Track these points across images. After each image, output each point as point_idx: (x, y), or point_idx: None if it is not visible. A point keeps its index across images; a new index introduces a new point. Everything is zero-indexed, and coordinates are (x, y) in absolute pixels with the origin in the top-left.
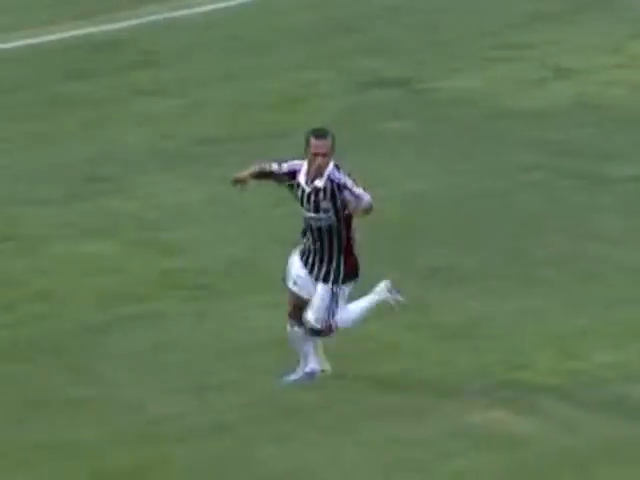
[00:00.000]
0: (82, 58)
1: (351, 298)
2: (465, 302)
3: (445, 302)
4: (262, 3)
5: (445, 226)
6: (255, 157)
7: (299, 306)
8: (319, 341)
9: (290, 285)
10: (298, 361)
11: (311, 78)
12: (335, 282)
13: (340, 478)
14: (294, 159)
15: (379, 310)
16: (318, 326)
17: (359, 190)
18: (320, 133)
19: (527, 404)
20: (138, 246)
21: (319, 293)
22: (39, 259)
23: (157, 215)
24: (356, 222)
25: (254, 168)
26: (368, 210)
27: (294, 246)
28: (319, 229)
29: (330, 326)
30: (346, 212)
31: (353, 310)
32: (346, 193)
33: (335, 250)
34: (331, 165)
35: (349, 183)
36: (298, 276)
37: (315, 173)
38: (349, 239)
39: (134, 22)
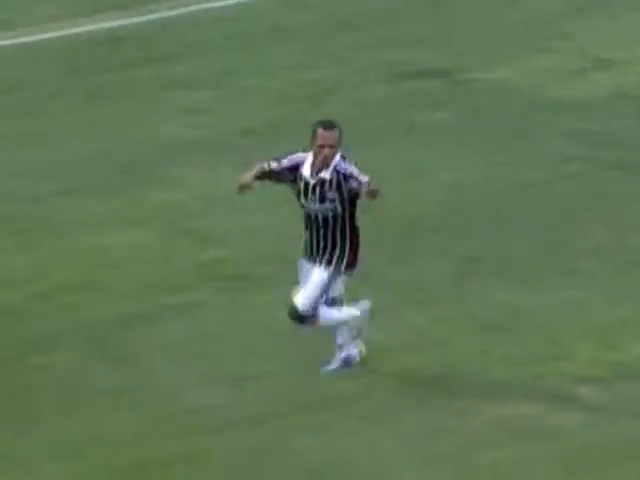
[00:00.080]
0: (114, 51)
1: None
2: (504, 293)
3: (484, 293)
4: None
5: (484, 217)
6: (293, 147)
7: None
8: (351, 324)
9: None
10: (338, 347)
11: (349, 68)
12: (336, 268)
13: (377, 468)
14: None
15: (415, 300)
16: (304, 312)
17: (365, 178)
18: (328, 125)
19: (567, 395)
20: (177, 237)
21: (314, 280)
22: (78, 250)
23: (195, 206)
24: (360, 212)
25: (255, 168)
26: (376, 193)
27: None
28: (325, 219)
29: (313, 316)
30: (350, 200)
31: (330, 313)
32: (352, 181)
33: (339, 238)
34: (337, 156)
35: (355, 172)
36: (309, 270)
37: (321, 165)
38: (352, 228)
39: (165, 14)
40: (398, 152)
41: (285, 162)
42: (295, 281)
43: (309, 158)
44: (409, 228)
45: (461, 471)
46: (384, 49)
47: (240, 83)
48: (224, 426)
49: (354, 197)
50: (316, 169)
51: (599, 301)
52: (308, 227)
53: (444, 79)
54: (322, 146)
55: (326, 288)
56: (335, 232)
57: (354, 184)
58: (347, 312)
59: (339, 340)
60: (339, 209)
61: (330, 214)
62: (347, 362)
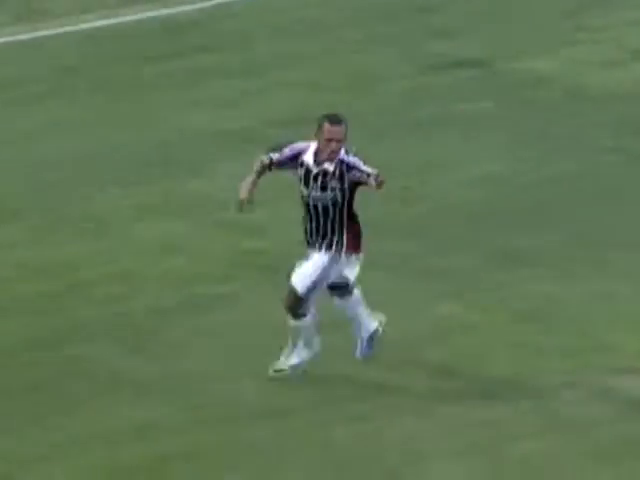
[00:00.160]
0: (150, 42)
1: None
2: (538, 284)
3: (518, 284)
4: None
5: (521, 208)
6: None
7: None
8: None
9: None
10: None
11: (384, 59)
12: (336, 252)
13: (413, 460)
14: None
15: (449, 291)
16: (303, 294)
17: (368, 168)
18: (335, 119)
19: (599, 388)
20: (213, 228)
21: (314, 261)
22: (115, 240)
23: (229, 196)
24: (358, 199)
25: (256, 168)
26: (381, 183)
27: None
28: (325, 207)
29: (305, 299)
30: (350, 189)
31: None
32: (355, 172)
33: (337, 223)
34: (342, 150)
35: (358, 163)
36: (310, 256)
37: (327, 157)
38: (350, 215)
39: (197, 6)
40: (435, 142)
41: (287, 151)
42: None
43: (311, 147)
44: (445, 219)
45: (493, 463)
46: (420, 39)
47: (272, 74)
48: (260, 416)
49: (355, 186)
50: (321, 160)
51: (632, 293)
52: (308, 215)
53: (482, 69)
54: (329, 140)
55: (325, 272)
56: (334, 220)
57: (357, 174)
58: (369, 316)
59: (357, 331)
60: (339, 198)
61: (330, 202)
62: (372, 338)
